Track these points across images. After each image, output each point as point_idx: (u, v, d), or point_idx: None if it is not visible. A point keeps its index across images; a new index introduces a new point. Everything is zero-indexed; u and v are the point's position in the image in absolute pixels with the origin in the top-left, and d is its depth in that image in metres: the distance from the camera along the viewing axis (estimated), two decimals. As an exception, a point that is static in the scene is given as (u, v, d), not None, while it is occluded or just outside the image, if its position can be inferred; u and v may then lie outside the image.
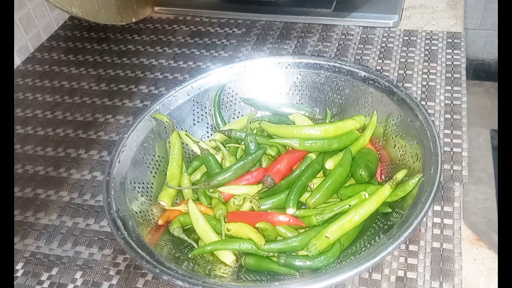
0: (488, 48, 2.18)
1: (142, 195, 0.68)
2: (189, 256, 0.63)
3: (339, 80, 0.77)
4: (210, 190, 0.69)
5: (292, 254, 0.62)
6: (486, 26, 2.11)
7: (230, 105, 0.81)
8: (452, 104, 0.87)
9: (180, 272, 0.56)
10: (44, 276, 0.68)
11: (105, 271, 0.68)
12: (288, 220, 0.65)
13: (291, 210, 0.65)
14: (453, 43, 1.01)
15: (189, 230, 0.68)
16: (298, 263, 0.60)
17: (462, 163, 0.77)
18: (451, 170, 0.76)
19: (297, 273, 0.60)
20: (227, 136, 0.77)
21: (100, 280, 0.67)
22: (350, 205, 0.63)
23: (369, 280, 0.64)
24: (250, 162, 0.70)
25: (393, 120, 0.71)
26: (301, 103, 0.81)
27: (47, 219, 0.76)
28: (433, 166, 0.61)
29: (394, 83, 0.73)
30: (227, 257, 0.63)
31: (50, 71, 1.06)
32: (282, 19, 1.13)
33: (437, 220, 0.70)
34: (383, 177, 0.72)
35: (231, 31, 1.12)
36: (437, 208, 0.71)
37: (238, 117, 0.82)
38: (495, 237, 1.63)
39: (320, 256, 0.60)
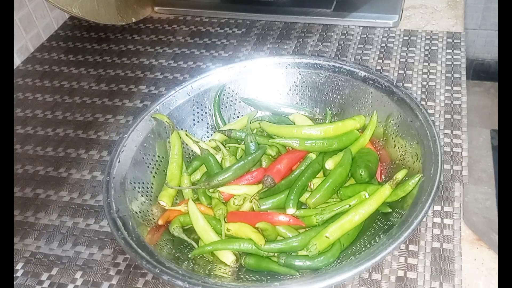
0: (488, 48, 2.18)
1: (142, 195, 0.68)
2: (189, 256, 0.63)
3: (339, 80, 0.77)
4: (210, 190, 0.69)
5: (292, 254, 0.62)
6: (486, 26, 2.11)
7: (230, 105, 0.81)
8: (452, 104, 0.87)
9: (180, 272, 0.56)
10: (44, 276, 0.68)
11: (105, 271, 0.68)
12: (288, 220, 0.65)
13: (291, 210, 0.65)
14: (453, 43, 1.01)
15: (189, 230, 0.68)
16: (298, 263, 0.60)
17: (462, 163, 0.77)
18: (451, 170, 0.76)
19: (297, 273, 0.60)
20: (227, 136, 0.77)
21: (100, 280, 0.67)
22: (350, 205, 0.63)
23: (369, 280, 0.64)
24: (250, 162, 0.70)
25: (393, 120, 0.71)
26: (301, 103, 0.81)
27: (47, 219, 0.76)
28: (433, 166, 0.61)
29: (394, 83, 0.73)
30: (227, 257, 0.63)
31: (50, 71, 1.06)
32: (282, 19, 1.13)
33: (437, 220, 0.70)
34: (383, 177, 0.72)
35: (231, 31, 1.12)
36: (437, 208, 0.71)
37: (238, 117, 0.82)
38: (495, 237, 1.63)
39: (320, 256, 0.60)
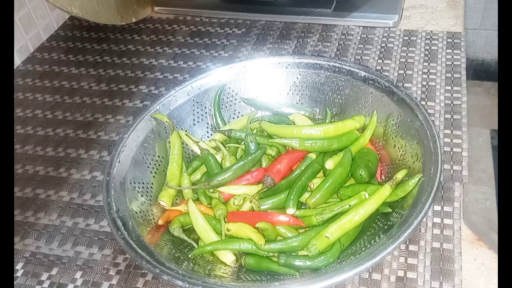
0: (488, 48, 2.18)
1: (142, 195, 0.68)
2: (189, 256, 0.63)
3: (339, 80, 0.77)
4: (210, 190, 0.69)
5: (292, 254, 0.62)
6: (486, 26, 2.11)
7: (230, 105, 0.81)
8: (452, 104, 0.87)
9: (180, 272, 0.56)
10: (44, 276, 0.68)
11: (105, 271, 0.68)
12: (288, 220, 0.65)
13: (291, 210, 0.65)
14: (453, 43, 1.01)
15: (189, 230, 0.68)
16: (298, 263, 0.60)
17: (462, 163, 0.77)
18: (451, 170, 0.76)
19: (297, 273, 0.60)
20: (227, 136, 0.77)
21: (100, 280, 0.67)
22: (350, 205, 0.63)
23: (369, 280, 0.64)
24: (250, 162, 0.70)
25: (393, 120, 0.71)
26: (301, 103, 0.81)
27: (47, 219, 0.76)
28: (433, 166, 0.61)
29: (394, 83, 0.73)
30: (227, 257, 0.63)
31: (50, 71, 1.06)
32: (282, 19, 1.13)
33: (437, 220, 0.70)
34: (383, 177, 0.72)
35: (231, 31, 1.12)
36: (437, 208, 0.71)
37: (238, 117, 0.82)
38: (495, 237, 1.63)
39: (320, 256, 0.60)
